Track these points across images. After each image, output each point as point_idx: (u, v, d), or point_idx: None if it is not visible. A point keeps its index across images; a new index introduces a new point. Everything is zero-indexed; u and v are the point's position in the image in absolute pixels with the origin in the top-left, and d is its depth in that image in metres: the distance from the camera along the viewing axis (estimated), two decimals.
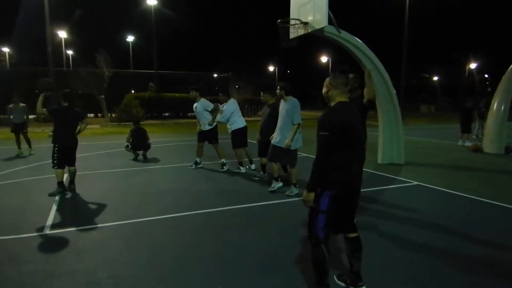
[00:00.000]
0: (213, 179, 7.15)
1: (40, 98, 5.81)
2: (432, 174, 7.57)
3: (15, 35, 42.43)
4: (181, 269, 3.35)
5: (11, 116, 10.25)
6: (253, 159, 7.85)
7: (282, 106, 5.85)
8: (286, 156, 5.81)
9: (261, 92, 6.65)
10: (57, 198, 5.70)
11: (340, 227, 2.80)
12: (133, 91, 31.61)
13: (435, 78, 48.63)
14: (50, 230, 4.32)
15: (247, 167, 7.83)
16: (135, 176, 7.51)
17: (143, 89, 30.70)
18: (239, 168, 7.61)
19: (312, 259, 2.70)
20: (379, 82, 8.21)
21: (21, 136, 10.27)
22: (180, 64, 46.14)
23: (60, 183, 5.88)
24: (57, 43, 43.66)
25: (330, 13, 7.15)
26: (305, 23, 7.50)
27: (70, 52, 45.91)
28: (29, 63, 38.21)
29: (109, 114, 25.42)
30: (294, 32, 7.72)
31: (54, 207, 5.22)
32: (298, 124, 5.66)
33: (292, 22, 7.76)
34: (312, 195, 2.61)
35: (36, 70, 32.53)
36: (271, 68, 51.84)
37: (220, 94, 8.02)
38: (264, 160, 6.73)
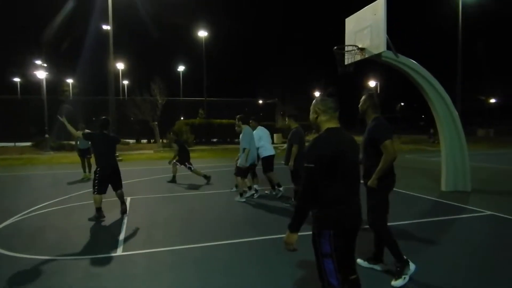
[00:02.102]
0: (265, 204, 7.14)
1: (65, 122, 6.13)
2: (505, 202, 7.03)
3: (78, 67, 46.23)
4: None
5: (78, 143, 11.04)
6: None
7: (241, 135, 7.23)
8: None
9: (286, 118, 6.98)
10: (125, 220, 5.97)
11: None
12: (182, 118, 32.93)
13: (492, 100, 45.99)
14: (123, 252, 4.50)
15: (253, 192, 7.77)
16: (193, 200, 7.69)
17: (192, 116, 31.85)
18: (279, 191, 7.72)
19: None
20: (441, 106, 7.91)
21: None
22: (227, 90, 47.46)
23: (98, 209, 6.00)
24: (114, 73, 46.96)
25: (388, 38, 7.11)
26: (362, 49, 7.50)
27: (125, 82, 49.00)
28: (89, 93, 41.15)
29: (160, 140, 26.51)
30: (350, 58, 7.73)
31: (123, 229, 5.46)
32: (246, 149, 7.04)
33: (348, 48, 7.80)
34: (295, 237, 2.32)
35: (96, 99, 35.11)
36: (316, 93, 51.98)
37: (251, 121, 7.78)
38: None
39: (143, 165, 14.44)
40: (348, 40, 7.95)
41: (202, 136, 29.07)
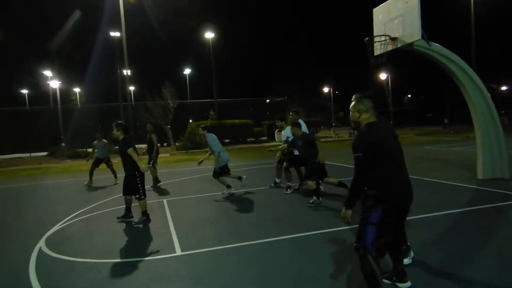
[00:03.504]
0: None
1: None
2: None
3: (85, 75, 46.49)
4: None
5: (96, 151, 11.01)
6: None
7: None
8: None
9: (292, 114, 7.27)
10: (170, 221, 5.94)
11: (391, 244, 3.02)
12: (190, 120, 33.02)
13: (504, 88, 45.51)
14: (182, 252, 4.46)
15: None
16: (228, 199, 7.65)
17: (203, 118, 31.88)
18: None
19: (362, 272, 2.76)
20: (475, 93, 7.81)
21: (104, 167, 11.17)
22: (237, 90, 47.34)
23: (145, 212, 6.00)
24: (124, 79, 47.24)
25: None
26: (394, 39, 7.42)
27: (131, 87, 49.05)
28: (97, 101, 41.36)
29: (174, 143, 26.53)
30: (382, 48, 7.65)
31: (173, 230, 5.42)
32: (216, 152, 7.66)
33: (378, 38, 7.72)
34: (349, 212, 2.83)
35: (105, 106, 35.31)
36: (325, 89, 51.93)
37: (277, 121, 8.33)
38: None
39: (164, 168, 14.43)
40: (377, 30, 7.88)
41: None
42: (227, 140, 30.20)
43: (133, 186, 5.88)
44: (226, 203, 7.25)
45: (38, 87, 46.75)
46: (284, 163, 7.95)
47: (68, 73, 44.17)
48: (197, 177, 11.15)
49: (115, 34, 29.01)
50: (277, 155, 8.43)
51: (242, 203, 7.19)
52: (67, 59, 44.36)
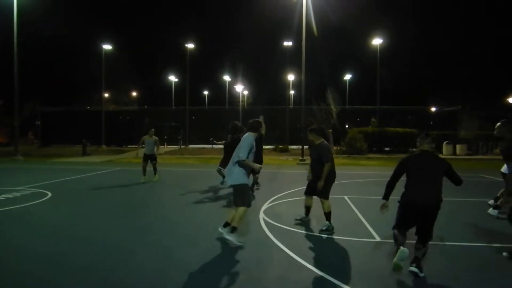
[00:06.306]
0: None
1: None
2: None
3: (253, 80, 52.04)
4: None
5: (144, 147, 11.05)
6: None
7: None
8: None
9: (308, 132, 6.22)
10: (359, 215, 6.79)
11: None
12: (346, 126, 33.47)
13: None
14: (380, 239, 5.27)
15: None
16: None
17: (363, 124, 31.88)
18: None
19: None
20: None
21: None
22: (400, 98, 44.99)
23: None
24: (286, 84, 51.15)
25: None
26: None
27: (292, 92, 52.26)
28: (261, 103, 45.85)
29: (334, 147, 27.50)
30: None
31: (364, 221, 6.25)
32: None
33: None
34: None
35: (271, 108, 38.97)
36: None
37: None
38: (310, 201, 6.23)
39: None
40: None
41: (374, 145, 28.77)
42: (387, 148, 29.51)
43: None
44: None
45: (216, 90, 54.92)
46: None
47: (238, 78, 50.08)
48: (370, 181, 11.72)
49: (288, 43, 32.06)
50: None
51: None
52: (243, 67, 50.35)
